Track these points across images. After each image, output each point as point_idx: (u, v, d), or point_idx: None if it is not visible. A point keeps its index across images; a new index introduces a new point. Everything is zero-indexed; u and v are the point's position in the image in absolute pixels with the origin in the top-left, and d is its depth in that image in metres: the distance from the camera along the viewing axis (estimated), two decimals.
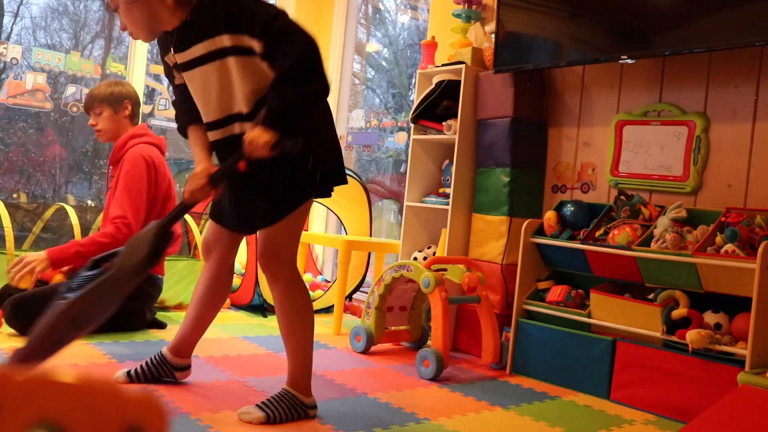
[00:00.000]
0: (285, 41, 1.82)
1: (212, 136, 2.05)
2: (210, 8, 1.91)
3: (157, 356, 2.34)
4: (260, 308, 3.79)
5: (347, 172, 4.17)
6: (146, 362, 2.34)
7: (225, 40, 1.89)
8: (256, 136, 1.81)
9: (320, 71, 1.83)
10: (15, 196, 4.63)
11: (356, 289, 4.21)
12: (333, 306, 3.79)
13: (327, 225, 4.82)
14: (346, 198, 4.16)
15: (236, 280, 3.93)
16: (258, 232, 2.16)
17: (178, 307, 3.64)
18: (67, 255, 2.84)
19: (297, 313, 2.08)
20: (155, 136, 3.20)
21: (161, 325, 3.19)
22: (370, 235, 4.20)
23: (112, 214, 2.94)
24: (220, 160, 2.07)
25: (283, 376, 2.59)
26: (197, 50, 1.94)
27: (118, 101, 3.12)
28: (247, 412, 2.02)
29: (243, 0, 1.89)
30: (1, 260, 3.15)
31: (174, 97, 2.18)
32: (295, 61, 1.80)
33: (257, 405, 2.04)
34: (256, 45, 1.85)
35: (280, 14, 1.86)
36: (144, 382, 2.30)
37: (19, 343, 2.71)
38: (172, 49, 2.00)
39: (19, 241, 3.21)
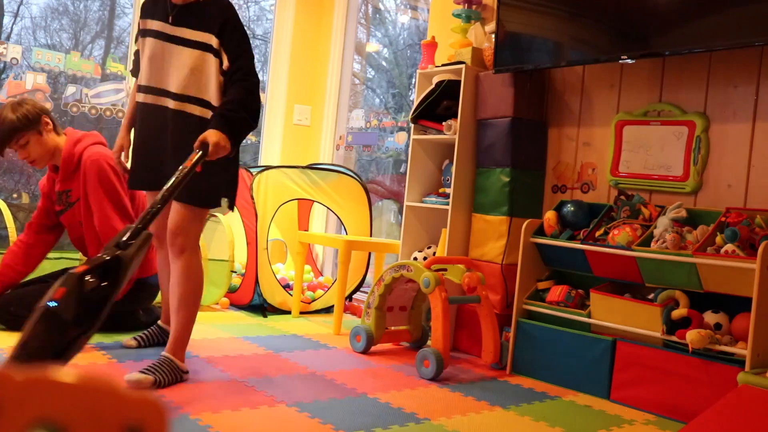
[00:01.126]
0: (243, 76, 2.31)
1: (142, 98, 2.43)
2: (212, 8, 2.35)
3: (155, 327, 2.87)
4: (260, 308, 3.80)
5: (347, 171, 4.22)
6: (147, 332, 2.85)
7: (213, 40, 2.31)
8: (220, 141, 2.15)
9: (257, 111, 2.34)
10: (15, 196, 4.63)
11: (356, 290, 4.21)
12: (333, 306, 3.80)
13: (327, 225, 4.82)
14: (346, 198, 4.16)
15: (236, 280, 3.93)
16: (172, 206, 2.37)
17: None
18: None
19: (192, 287, 2.35)
20: (94, 134, 3.02)
21: None
22: (371, 235, 4.21)
23: (107, 232, 2.82)
24: (142, 123, 2.45)
25: (283, 376, 2.59)
26: (185, 33, 2.34)
27: (36, 122, 2.84)
28: (134, 377, 2.25)
29: (238, 20, 2.36)
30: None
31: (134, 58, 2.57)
32: (249, 92, 2.29)
33: (142, 371, 2.27)
34: (225, 60, 2.32)
35: (250, 53, 2.36)
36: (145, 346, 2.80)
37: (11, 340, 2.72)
38: (170, 18, 2.36)
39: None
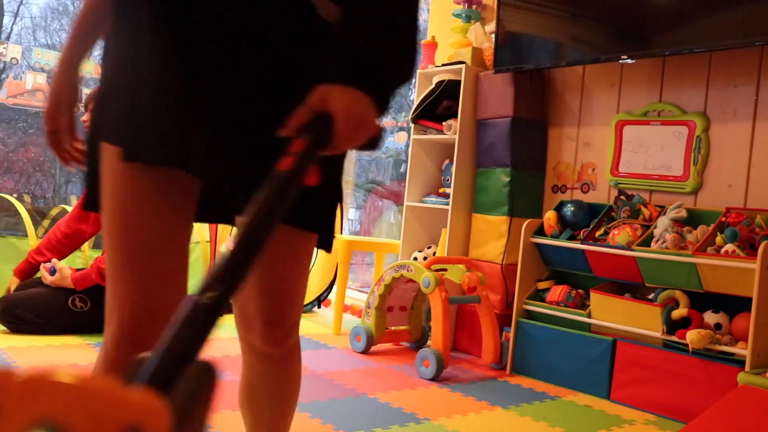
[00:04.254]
0: None
1: None
2: None
3: None
4: None
5: None
6: None
7: None
8: (356, 109, 0.89)
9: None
10: (15, 196, 4.63)
11: (326, 294, 4.18)
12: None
13: None
14: None
15: None
16: (264, 274, 1.13)
17: None
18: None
19: (295, 395, 1.29)
20: None
21: None
22: (341, 232, 4.20)
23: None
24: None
25: None
26: None
27: None
28: None
29: None
30: (23, 243, 3.26)
31: None
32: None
33: None
34: None
35: None
36: None
37: (11, 341, 2.71)
38: None
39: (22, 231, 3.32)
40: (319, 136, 0.84)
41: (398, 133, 4.54)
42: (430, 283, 2.79)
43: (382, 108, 0.93)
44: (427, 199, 3.46)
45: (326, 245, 1.17)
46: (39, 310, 2.87)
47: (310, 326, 3.61)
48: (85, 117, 2.57)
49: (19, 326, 2.83)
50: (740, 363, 2.20)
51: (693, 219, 2.56)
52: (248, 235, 0.73)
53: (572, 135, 3.17)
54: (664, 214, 2.59)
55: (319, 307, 4.17)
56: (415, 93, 3.53)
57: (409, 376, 2.72)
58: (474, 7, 3.51)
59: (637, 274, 2.56)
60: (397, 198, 4.76)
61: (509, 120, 3.10)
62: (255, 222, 0.74)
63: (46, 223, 3.72)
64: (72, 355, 2.61)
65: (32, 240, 3.23)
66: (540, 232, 2.92)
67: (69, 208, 3.54)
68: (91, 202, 1.05)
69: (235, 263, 0.70)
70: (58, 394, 0.37)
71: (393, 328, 3.20)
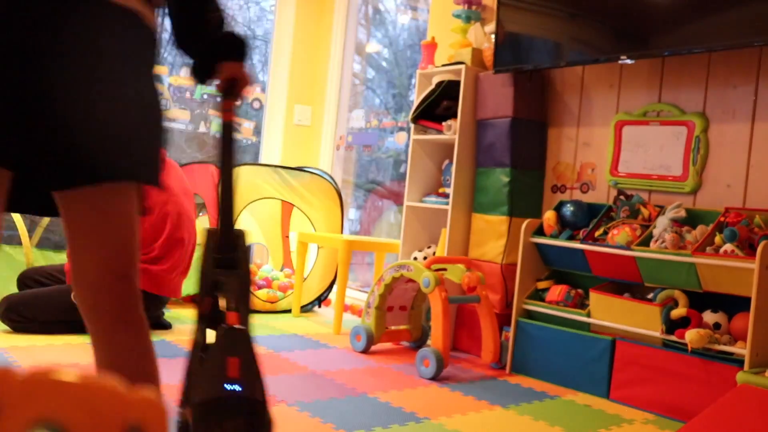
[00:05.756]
0: None
1: None
2: None
3: None
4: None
5: (317, 172, 4.21)
6: None
7: None
8: (248, 73, 1.39)
9: None
10: None
11: (327, 292, 4.17)
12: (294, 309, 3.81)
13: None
14: (318, 197, 4.14)
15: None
16: (83, 227, 1.18)
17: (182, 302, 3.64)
18: None
19: (154, 364, 1.29)
20: None
21: (165, 326, 3.18)
22: (342, 232, 4.20)
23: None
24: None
25: (284, 375, 2.59)
26: None
27: None
28: None
29: None
30: (17, 252, 3.21)
31: None
32: None
33: None
34: None
35: None
36: None
37: (12, 340, 2.72)
38: None
39: (16, 240, 3.26)
40: (236, 95, 1.36)
41: (398, 134, 4.54)
42: (430, 282, 2.80)
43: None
44: (427, 199, 3.46)
45: (150, 180, 1.23)
46: (42, 309, 2.86)
47: (310, 326, 3.62)
48: None
49: (22, 325, 2.84)
50: (739, 362, 2.20)
51: (692, 219, 2.56)
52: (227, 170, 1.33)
53: (572, 135, 3.17)
54: (663, 213, 2.60)
55: (319, 306, 4.17)
56: (415, 93, 3.53)
57: (409, 376, 2.73)
58: (474, 7, 3.52)
59: (636, 273, 2.56)
60: (397, 198, 4.75)
61: (509, 120, 3.11)
62: (227, 161, 1.33)
63: (41, 228, 3.70)
64: (73, 355, 2.61)
65: (27, 249, 3.19)
66: (539, 231, 2.92)
67: None
68: None
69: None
70: (59, 393, 0.37)
71: (393, 327, 3.20)
